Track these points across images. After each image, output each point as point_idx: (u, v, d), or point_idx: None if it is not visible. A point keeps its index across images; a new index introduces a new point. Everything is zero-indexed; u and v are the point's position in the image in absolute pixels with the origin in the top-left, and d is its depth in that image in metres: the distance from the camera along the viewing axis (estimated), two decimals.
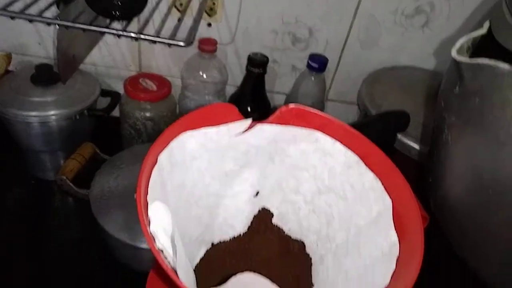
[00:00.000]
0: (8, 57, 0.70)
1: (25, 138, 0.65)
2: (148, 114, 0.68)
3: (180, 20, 0.52)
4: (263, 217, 0.39)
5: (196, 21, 0.52)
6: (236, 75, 0.73)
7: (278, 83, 0.75)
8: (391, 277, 0.28)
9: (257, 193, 0.39)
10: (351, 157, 0.35)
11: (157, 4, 0.57)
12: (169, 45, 0.45)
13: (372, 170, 0.34)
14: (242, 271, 0.37)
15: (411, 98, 0.67)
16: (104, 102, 0.69)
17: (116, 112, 0.70)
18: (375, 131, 0.57)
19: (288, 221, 0.40)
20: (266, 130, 0.35)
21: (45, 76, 0.64)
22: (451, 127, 0.37)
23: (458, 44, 0.33)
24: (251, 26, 0.70)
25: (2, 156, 0.72)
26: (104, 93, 0.69)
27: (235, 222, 0.39)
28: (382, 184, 0.33)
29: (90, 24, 0.47)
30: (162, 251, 0.25)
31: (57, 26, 0.54)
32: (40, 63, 0.65)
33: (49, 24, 0.48)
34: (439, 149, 0.40)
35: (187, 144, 0.33)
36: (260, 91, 0.69)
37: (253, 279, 0.24)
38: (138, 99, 0.67)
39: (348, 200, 0.35)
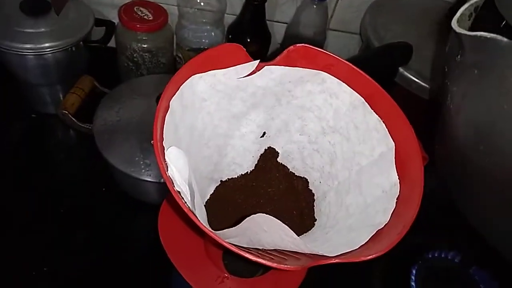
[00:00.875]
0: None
1: (22, 71, 0.64)
2: (145, 46, 0.67)
3: None
4: (269, 156, 0.41)
5: None
6: (235, 3, 0.70)
7: (278, 12, 0.73)
8: (391, 215, 0.31)
9: (264, 133, 0.40)
10: (357, 98, 0.36)
11: None
12: None
13: (376, 111, 0.35)
14: (249, 206, 0.39)
15: (415, 30, 0.65)
16: (98, 32, 0.67)
17: (112, 43, 0.68)
18: (377, 64, 0.57)
19: (293, 160, 0.41)
20: (274, 71, 0.35)
21: (35, 3, 0.61)
22: (452, 95, 0.38)
23: (458, 13, 0.32)
24: None
25: (0, 90, 0.71)
26: (99, 22, 0.67)
27: (242, 161, 0.40)
28: (386, 126, 0.34)
29: None
30: (179, 192, 0.27)
31: None
32: None
33: None
34: (444, 114, 0.40)
35: (196, 86, 0.33)
36: (260, 21, 0.68)
37: (266, 220, 0.26)
38: (134, 30, 0.65)
39: (351, 140, 0.36)
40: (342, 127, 0.37)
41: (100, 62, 0.69)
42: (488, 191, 0.38)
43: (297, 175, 0.41)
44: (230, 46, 0.34)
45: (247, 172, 0.41)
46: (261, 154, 0.41)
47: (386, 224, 0.30)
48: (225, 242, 0.26)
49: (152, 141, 0.27)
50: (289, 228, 0.26)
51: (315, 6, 0.66)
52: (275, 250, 0.30)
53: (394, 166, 0.33)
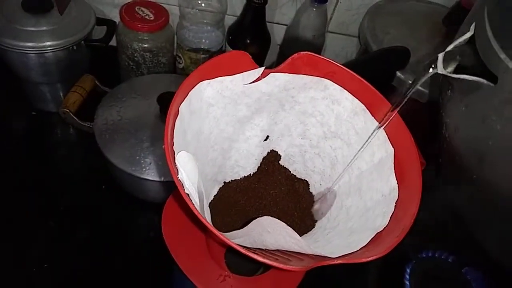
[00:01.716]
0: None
1: (23, 69, 0.64)
2: (146, 45, 0.67)
3: None
4: (272, 158, 0.42)
5: None
6: (236, 5, 0.71)
7: (278, 13, 0.73)
8: (390, 219, 0.32)
9: (267, 137, 0.41)
10: (358, 105, 0.37)
11: None
12: None
13: (376, 118, 0.36)
14: (251, 207, 0.41)
15: (413, 33, 0.67)
16: (99, 31, 0.67)
17: (113, 42, 0.68)
18: (375, 68, 0.58)
19: (294, 163, 0.43)
20: (278, 78, 0.37)
21: (37, 2, 0.62)
22: (447, 126, 0.39)
23: (441, 55, 0.32)
24: None
25: (1, 88, 0.72)
26: (100, 21, 0.67)
27: (246, 164, 0.41)
28: (385, 132, 0.36)
29: None
30: (188, 195, 0.28)
31: None
32: None
33: None
34: (441, 141, 0.42)
35: (204, 92, 0.34)
36: (260, 22, 0.69)
37: (270, 222, 0.27)
38: (135, 29, 0.66)
39: (352, 145, 0.38)
40: (343, 133, 0.38)
41: (101, 61, 0.69)
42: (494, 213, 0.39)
43: (299, 177, 0.43)
44: (236, 54, 0.35)
45: (250, 174, 0.42)
46: (263, 157, 0.42)
47: (385, 227, 0.31)
48: (234, 244, 0.27)
49: (163, 146, 0.28)
50: (293, 230, 0.27)
51: (314, 9, 0.67)
52: (278, 250, 0.31)
53: (393, 171, 0.34)
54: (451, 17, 0.64)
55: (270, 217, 0.27)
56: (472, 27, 0.34)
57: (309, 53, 0.36)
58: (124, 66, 0.71)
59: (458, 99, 0.36)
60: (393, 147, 0.35)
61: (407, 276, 0.57)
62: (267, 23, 0.70)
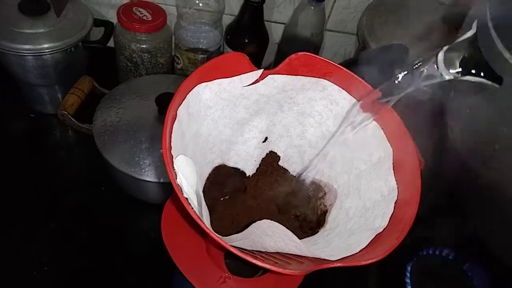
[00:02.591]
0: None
1: (20, 72, 0.64)
2: (144, 46, 0.67)
3: None
4: (271, 160, 0.42)
5: None
6: (233, 4, 0.71)
7: (276, 12, 0.73)
8: (390, 219, 0.32)
9: (266, 138, 0.41)
10: (356, 105, 0.37)
11: None
12: None
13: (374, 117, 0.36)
14: (251, 208, 0.41)
15: (411, 31, 0.66)
16: (97, 32, 0.67)
17: (110, 43, 0.68)
18: (373, 67, 0.58)
19: (294, 163, 0.42)
20: (276, 80, 0.36)
21: (34, 3, 0.62)
22: (451, 128, 0.38)
23: (440, 57, 0.31)
24: None
25: None
26: (97, 23, 0.67)
27: (244, 165, 0.41)
28: (384, 132, 0.35)
29: None
30: (187, 199, 0.28)
31: None
32: None
33: None
34: (447, 142, 0.41)
35: (202, 94, 0.34)
36: (258, 21, 0.68)
37: (270, 225, 0.27)
38: (133, 30, 0.65)
39: (350, 145, 0.38)
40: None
41: (99, 63, 0.69)
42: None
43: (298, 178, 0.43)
44: (234, 55, 0.34)
45: (249, 175, 0.42)
46: (262, 158, 0.42)
47: (385, 228, 0.31)
48: (232, 248, 0.27)
49: (161, 150, 0.28)
50: (292, 233, 0.27)
51: (312, 7, 0.66)
52: (278, 253, 0.31)
53: (392, 171, 0.34)
54: (452, 14, 0.63)
55: (269, 220, 0.27)
56: (474, 25, 0.33)
57: (306, 53, 0.36)
58: (122, 67, 0.70)
59: (462, 101, 0.35)
60: (391, 147, 0.35)
61: (408, 274, 0.57)
62: (265, 22, 0.70)
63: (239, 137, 0.39)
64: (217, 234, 0.27)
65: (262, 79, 0.36)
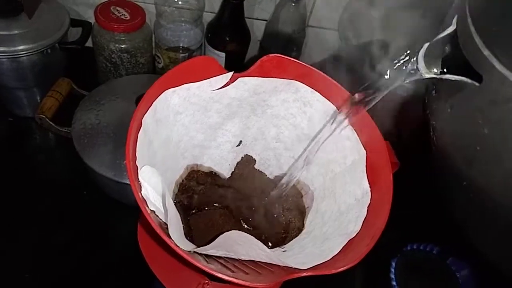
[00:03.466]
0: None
1: None
2: (123, 46, 0.66)
3: None
4: (246, 163, 0.42)
5: None
6: (214, 1, 0.70)
7: (257, 9, 0.72)
8: (362, 224, 0.31)
9: (240, 142, 0.40)
10: (329, 107, 0.37)
11: None
12: None
13: (348, 119, 0.36)
14: (227, 213, 0.40)
15: (394, 26, 0.66)
16: (74, 32, 0.66)
17: (89, 43, 0.67)
18: (355, 63, 0.58)
19: (270, 166, 0.42)
20: (247, 83, 0.36)
21: (6, 4, 0.60)
22: (433, 128, 0.37)
23: (421, 54, 0.30)
24: None
25: None
26: (74, 23, 0.66)
27: (219, 170, 0.41)
28: (357, 134, 0.35)
29: None
30: (154, 211, 0.28)
31: None
32: None
33: None
34: (430, 141, 0.40)
35: (170, 100, 0.33)
36: (239, 19, 0.67)
37: (240, 235, 0.27)
38: (111, 30, 0.64)
39: (325, 148, 0.37)
40: (316, 135, 0.38)
41: (78, 64, 0.68)
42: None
43: (275, 181, 0.42)
44: (201, 59, 0.34)
45: (224, 179, 0.41)
46: (237, 162, 0.41)
47: (357, 233, 0.31)
48: (193, 260, 0.26)
49: (125, 162, 0.27)
50: (262, 243, 0.27)
51: (293, 4, 0.65)
52: (250, 261, 0.31)
53: (366, 174, 0.34)
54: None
55: (238, 231, 0.27)
56: (454, 21, 0.32)
57: (278, 55, 0.35)
58: (101, 68, 0.69)
59: (443, 100, 0.34)
60: (365, 149, 0.35)
61: (393, 270, 0.57)
62: (247, 19, 0.68)
63: (212, 141, 0.38)
64: (183, 249, 0.27)
65: (232, 82, 0.35)
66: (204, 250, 0.29)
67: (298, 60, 0.36)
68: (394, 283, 0.54)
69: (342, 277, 0.61)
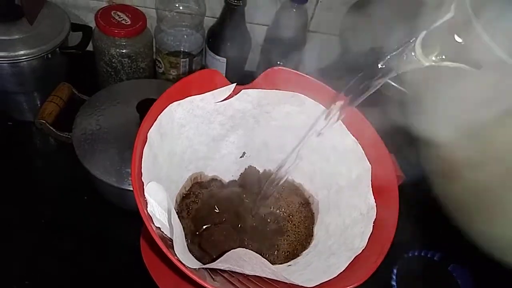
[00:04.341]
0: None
1: None
2: (124, 51, 0.65)
3: None
4: (250, 174, 0.41)
5: None
6: (215, 6, 0.69)
7: (258, 14, 0.72)
8: (368, 240, 0.31)
9: (244, 153, 0.40)
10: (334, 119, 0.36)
11: None
12: None
13: (352, 133, 0.36)
14: (231, 225, 0.40)
15: (395, 32, 0.65)
16: (75, 36, 0.65)
17: (89, 47, 0.67)
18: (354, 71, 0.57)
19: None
20: (251, 94, 0.36)
21: (5, 8, 0.59)
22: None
23: (419, 40, 0.29)
24: None
25: None
26: (75, 27, 0.65)
27: (222, 180, 0.40)
28: (362, 147, 0.35)
29: None
30: (159, 228, 0.27)
31: None
32: None
33: None
34: None
35: (174, 113, 0.33)
36: (240, 24, 0.67)
37: (246, 253, 0.26)
38: (112, 35, 0.64)
39: (330, 160, 0.37)
40: (320, 148, 0.37)
41: (78, 68, 0.67)
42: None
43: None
44: (206, 72, 0.34)
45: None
46: (241, 174, 0.41)
47: (363, 249, 0.31)
48: (202, 281, 0.26)
49: (130, 178, 0.27)
50: (268, 262, 0.27)
51: (294, 10, 0.65)
52: (256, 276, 0.31)
53: (371, 189, 0.34)
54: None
55: (244, 249, 0.27)
56: (452, 7, 0.31)
57: (283, 68, 0.35)
58: (102, 72, 0.69)
59: (436, 88, 0.34)
60: (370, 163, 0.34)
61: (394, 277, 0.57)
62: (248, 24, 0.68)
63: (215, 153, 0.38)
64: (187, 264, 0.27)
65: (236, 94, 0.35)
66: (210, 266, 0.29)
67: (300, 65, 0.36)
68: None
69: None
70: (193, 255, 0.32)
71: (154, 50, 0.71)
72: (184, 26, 0.67)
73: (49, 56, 0.61)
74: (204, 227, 0.38)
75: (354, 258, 0.31)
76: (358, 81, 0.31)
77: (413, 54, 0.29)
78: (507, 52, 0.27)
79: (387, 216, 0.31)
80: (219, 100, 0.35)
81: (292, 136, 0.39)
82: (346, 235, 0.33)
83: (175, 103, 0.33)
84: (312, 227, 0.39)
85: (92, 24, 0.66)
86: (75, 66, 0.67)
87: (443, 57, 0.29)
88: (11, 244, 0.56)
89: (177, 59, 0.69)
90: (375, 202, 0.33)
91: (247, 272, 0.30)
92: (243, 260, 0.28)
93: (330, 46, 0.76)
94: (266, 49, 0.72)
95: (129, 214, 0.59)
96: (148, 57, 0.69)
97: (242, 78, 0.37)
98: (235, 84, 0.35)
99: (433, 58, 0.28)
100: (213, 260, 0.29)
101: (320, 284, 0.29)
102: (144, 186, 0.28)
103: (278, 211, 0.41)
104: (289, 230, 0.39)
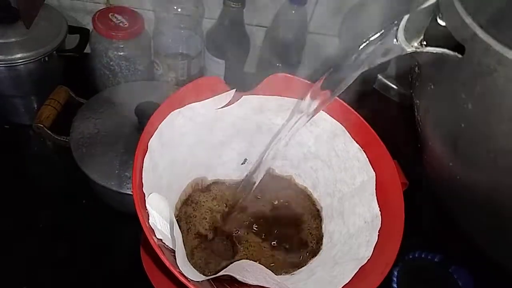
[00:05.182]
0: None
1: None
2: (121, 53, 0.65)
3: None
4: (251, 180, 0.41)
5: None
6: (213, 8, 0.69)
7: (257, 16, 0.71)
8: (374, 249, 0.31)
9: (245, 160, 0.40)
10: (337, 127, 0.36)
11: None
12: None
13: (357, 140, 0.35)
14: (232, 230, 0.39)
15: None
16: (72, 39, 0.65)
17: (87, 50, 0.66)
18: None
19: None
20: (252, 101, 0.35)
21: (2, 11, 0.59)
22: (417, 108, 0.36)
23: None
24: None
25: None
26: (72, 30, 0.65)
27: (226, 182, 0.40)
28: (366, 155, 0.34)
29: None
30: (161, 239, 0.27)
31: None
32: None
33: None
34: (416, 125, 0.39)
35: (175, 121, 0.33)
36: (239, 26, 0.66)
37: (249, 264, 0.26)
38: (110, 37, 0.63)
39: (333, 167, 0.37)
40: (323, 154, 0.37)
41: (75, 71, 0.66)
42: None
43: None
44: (208, 79, 0.33)
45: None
46: (242, 179, 0.41)
47: (369, 259, 0.31)
48: None
49: (131, 190, 0.26)
50: (272, 272, 0.26)
51: (293, 11, 0.65)
52: (259, 286, 0.30)
53: (375, 196, 0.33)
54: None
55: (248, 260, 0.26)
56: None
57: (284, 74, 0.34)
58: (99, 75, 0.68)
59: (425, 77, 0.33)
60: (374, 170, 0.34)
61: (395, 279, 0.57)
62: (247, 26, 0.68)
63: (217, 159, 0.38)
64: (189, 277, 0.26)
65: (237, 100, 0.35)
66: (212, 277, 0.29)
67: (299, 66, 0.35)
68: None
69: None
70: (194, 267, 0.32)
71: (152, 52, 0.70)
72: (182, 28, 0.67)
73: (46, 59, 0.61)
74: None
75: (360, 269, 0.30)
76: (335, 71, 0.30)
77: (395, 40, 0.28)
78: (491, 34, 0.26)
79: (393, 225, 0.31)
80: (220, 107, 0.34)
81: (294, 142, 0.38)
82: (350, 244, 0.33)
83: (175, 111, 0.32)
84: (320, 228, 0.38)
85: (90, 27, 0.65)
86: (73, 69, 0.67)
87: (425, 42, 0.28)
88: (9, 249, 0.56)
89: (176, 61, 0.68)
90: (380, 210, 0.33)
91: (250, 282, 0.30)
92: (246, 270, 0.28)
93: (329, 48, 0.75)
94: (265, 51, 0.72)
95: (128, 217, 0.58)
96: (146, 59, 0.69)
97: (241, 80, 0.36)
98: (235, 90, 0.35)
99: (415, 44, 0.27)
100: (216, 271, 0.28)
101: None
102: (146, 198, 0.27)
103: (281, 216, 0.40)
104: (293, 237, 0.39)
